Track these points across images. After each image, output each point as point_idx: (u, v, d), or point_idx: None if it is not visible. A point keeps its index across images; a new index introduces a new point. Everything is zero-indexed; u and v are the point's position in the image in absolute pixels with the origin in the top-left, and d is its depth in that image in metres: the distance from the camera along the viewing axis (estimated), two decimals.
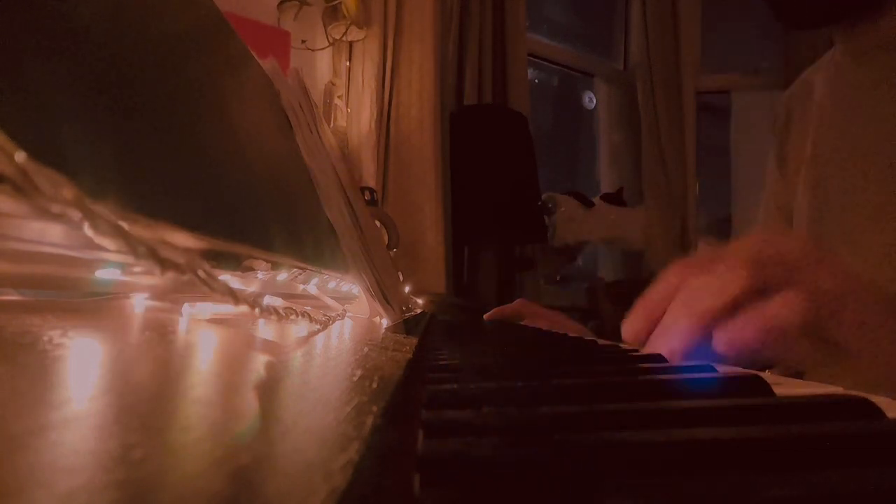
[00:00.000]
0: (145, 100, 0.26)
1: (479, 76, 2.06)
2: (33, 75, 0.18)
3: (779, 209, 0.90)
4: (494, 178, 1.90)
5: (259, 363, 0.24)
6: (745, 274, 0.39)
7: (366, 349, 0.31)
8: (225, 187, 0.33)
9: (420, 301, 1.03)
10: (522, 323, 0.92)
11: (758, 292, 0.38)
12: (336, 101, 1.73)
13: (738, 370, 0.30)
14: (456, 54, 2.02)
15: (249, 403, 0.15)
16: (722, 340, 0.38)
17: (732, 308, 0.39)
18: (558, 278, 2.50)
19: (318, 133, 0.57)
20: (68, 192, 0.14)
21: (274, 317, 0.33)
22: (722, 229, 2.75)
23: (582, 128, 2.94)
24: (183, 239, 0.25)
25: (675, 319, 0.40)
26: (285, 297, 0.41)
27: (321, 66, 1.75)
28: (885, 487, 0.13)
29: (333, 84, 1.74)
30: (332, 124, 1.71)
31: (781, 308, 0.37)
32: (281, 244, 0.39)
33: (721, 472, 0.15)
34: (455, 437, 0.16)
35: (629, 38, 2.78)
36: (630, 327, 0.43)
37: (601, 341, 0.57)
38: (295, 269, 0.44)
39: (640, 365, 0.36)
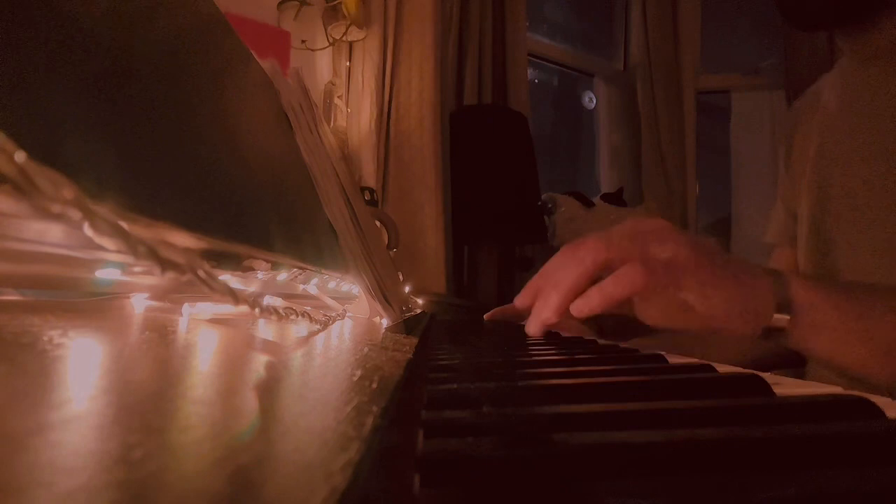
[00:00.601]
0: (145, 100, 0.26)
1: (479, 76, 2.06)
2: (33, 75, 0.18)
3: (786, 211, 0.91)
4: (494, 178, 1.90)
5: (259, 363, 0.24)
6: (596, 251, 0.48)
7: (366, 349, 0.31)
8: (225, 187, 0.33)
9: (420, 301, 1.03)
10: (523, 323, 0.92)
11: (607, 266, 0.48)
12: (336, 101, 1.73)
13: (738, 370, 0.30)
14: (456, 54, 2.02)
15: (249, 403, 0.15)
16: (575, 308, 0.48)
17: (587, 280, 0.48)
18: None
19: (318, 133, 0.57)
20: (68, 192, 0.14)
21: (274, 317, 0.33)
22: (722, 229, 2.75)
23: (582, 128, 2.94)
24: (183, 239, 0.25)
25: (545, 294, 0.50)
26: (285, 297, 0.41)
27: (321, 66, 1.75)
28: (885, 487, 0.13)
29: (333, 84, 1.73)
30: (332, 124, 1.71)
31: (619, 279, 0.46)
32: (281, 244, 0.39)
33: (721, 472, 0.15)
34: (455, 437, 0.16)
35: (629, 38, 2.78)
36: (520, 301, 0.54)
37: (601, 341, 0.57)
38: (295, 269, 0.44)
39: (640, 365, 0.36)
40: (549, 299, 0.50)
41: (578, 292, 0.49)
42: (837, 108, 0.81)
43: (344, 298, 0.58)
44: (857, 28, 0.75)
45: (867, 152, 0.74)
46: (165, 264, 0.18)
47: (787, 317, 0.48)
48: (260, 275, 0.38)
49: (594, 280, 0.49)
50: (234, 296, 0.24)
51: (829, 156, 0.80)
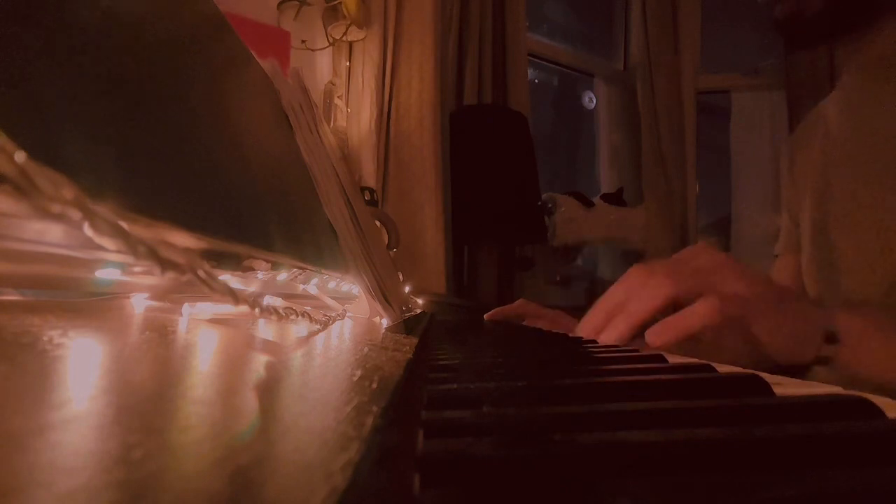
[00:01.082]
0: (145, 100, 0.26)
1: (479, 76, 2.06)
2: (33, 75, 0.18)
3: (791, 220, 0.92)
4: (494, 178, 1.90)
5: (259, 363, 0.24)
6: (668, 286, 0.51)
7: (366, 349, 0.31)
8: (225, 187, 0.33)
9: (420, 301, 1.03)
10: (524, 323, 0.92)
11: (680, 299, 0.51)
12: (336, 101, 1.73)
13: (738, 370, 0.30)
14: (456, 54, 2.02)
15: (249, 403, 0.15)
16: (650, 338, 0.51)
17: (658, 313, 0.52)
18: (558, 278, 2.50)
19: (318, 133, 0.57)
20: (68, 192, 0.14)
21: (274, 317, 0.33)
22: (722, 229, 2.75)
23: (582, 128, 2.94)
24: (183, 239, 0.25)
25: (616, 322, 0.54)
26: (285, 297, 0.40)
27: (321, 66, 1.75)
28: (885, 487, 0.13)
29: (333, 84, 1.73)
30: (332, 124, 1.71)
31: (695, 313, 0.49)
32: (281, 244, 0.39)
33: (721, 472, 0.15)
34: (455, 437, 0.16)
35: (629, 38, 2.78)
36: (589, 323, 0.56)
37: (602, 341, 0.57)
38: (295, 269, 0.44)
39: (640, 365, 0.36)
40: (619, 328, 0.53)
41: (648, 324, 0.52)
42: (840, 117, 0.82)
43: (344, 298, 0.58)
44: (857, 38, 0.77)
45: (869, 156, 0.75)
46: (165, 264, 0.18)
47: (835, 346, 0.52)
48: (260, 275, 0.38)
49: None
50: (234, 296, 0.24)
51: (833, 162, 0.81)
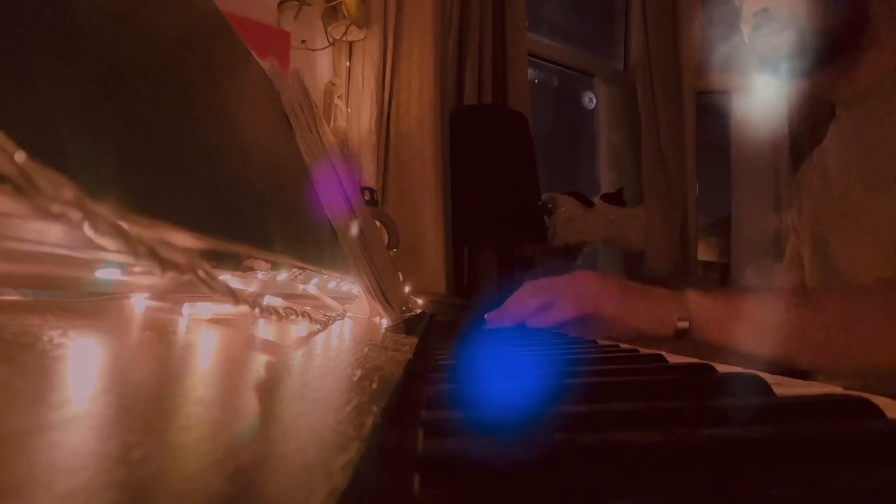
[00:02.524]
0: (145, 99, 0.26)
1: (479, 76, 2.05)
2: (33, 75, 0.18)
3: (794, 234, 0.97)
4: (494, 178, 1.90)
5: (259, 363, 0.24)
6: (539, 294, 0.77)
7: (366, 349, 0.31)
8: (225, 187, 0.33)
9: (420, 301, 1.03)
10: (522, 324, 0.92)
11: (549, 302, 0.75)
12: (336, 101, 1.72)
13: (738, 370, 0.30)
14: (456, 54, 2.02)
15: (249, 403, 0.15)
16: (530, 325, 0.76)
17: (536, 311, 0.76)
18: None
19: (318, 133, 0.57)
20: (68, 192, 0.14)
21: (274, 317, 0.33)
22: (722, 229, 2.74)
23: (582, 128, 2.93)
24: (183, 239, 0.25)
25: (506, 316, 0.79)
26: (285, 297, 0.40)
27: (321, 66, 1.75)
28: (886, 487, 0.13)
29: (333, 84, 1.73)
30: (332, 124, 1.71)
31: (554, 312, 0.74)
32: (281, 244, 0.39)
33: (721, 471, 0.15)
34: (455, 437, 0.16)
35: (629, 38, 2.78)
36: (492, 317, 0.81)
37: (601, 341, 0.57)
38: (295, 269, 0.44)
39: (641, 365, 0.36)
40: (505, 321, 0.80)
41: (524, 318, 0.77)
42: (836, 148, 0.89)
43: (344, 298, 0.58)
44: (838, 75, 0.84)
45: (863, 167, 0.81)
46: (165, 264, 0.18)
47: (686, 322, 0.70)
48: (260, 275, 0.38)
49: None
50: (234, 296, 0.24)
51: (831, 181, 0.87)
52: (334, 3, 1.66)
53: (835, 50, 0.81)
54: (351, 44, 1.76)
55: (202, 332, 0.29)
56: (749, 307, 0.69)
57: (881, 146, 0.78)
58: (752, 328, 0.66)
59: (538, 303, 0.76)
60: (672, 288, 0.74)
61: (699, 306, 0.70)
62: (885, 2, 0.81)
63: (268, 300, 0.35)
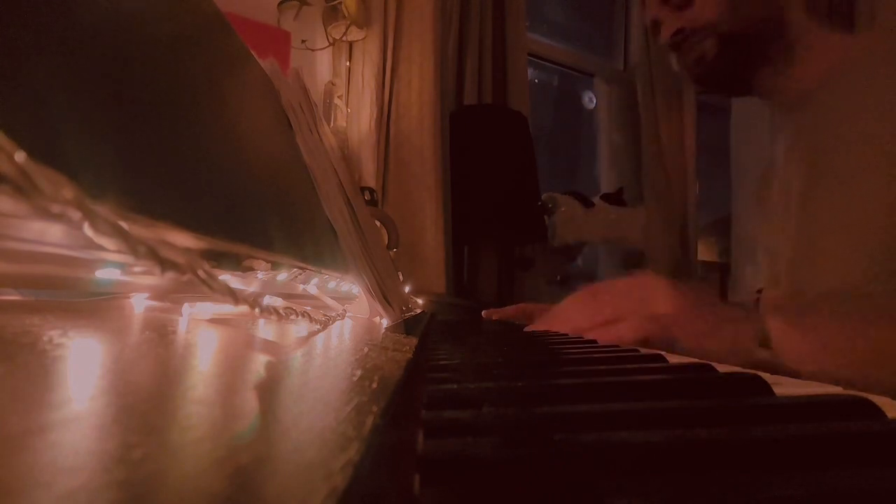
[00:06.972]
0: (145, 100, 0.26)
1: (479, 76, 2.05)
2: (33, 75, 0.18)
3: (769, 255, 0.97)
4: (494, 178, 1.90)
5: (259, 363, 0.24)
6: (597, 312, 0.68)
7: (366, 349, 0.31)
8: (225, 187, 0.33)
9: (420, 301, 1.03)
10: (522, 324, 0.92)
11: (613, 316, 0.65)
12: (336, 101, 1.72)
13: (738, 370, 0.30)
14: (456, 54, 2.02)
15: (249, 403, 0.15)
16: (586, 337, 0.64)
17: (596, 326, 0.66)
18: (558, 278, 2.50)
19: (318, 133, 0.57)
20: (68, 192, 0.14)
21: (274, 317, 0.33)
22: (722, 229, 2.74)
23: (582, 128, 2.93)
24: (183, 239, 0.25)
25: (551, 327, 0.72)
26: (285, 297, 0.40)
27: (321, 66, 1.75)
28: (886, 487, 0.13)
29: (333, 84, 1.73)
30: (332, 124, 1.71)
31: (618, 330, 0.62)
32: (281, 244, 0.39)
33: (721, 471, 0.15)
34: (455, 437, 0.16)
35: (629, 38, 2.78)
36: (536, 326, 0.76)
37: (601, 342, 0.57)
38: (295, 269, 0.44)
39: (640, 365, 0.36)
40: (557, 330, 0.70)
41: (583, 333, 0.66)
42: (786, 156, 0.87)
43: (344, 298, 0.58)
44: (776, 75, 0.83)
45: (825, 163, 0.79)
46: (165, 264, 0.18)
47: (769, 349, 0.59)
48: (260, 275, 0.38)
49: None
50: (234, 296, 0.24)
51: (791, 189, 0.85)
52: (334, 3, 1.66)
53: (761, 49, 0.81)
54: (351, 44, 1.76)
55: (202, 332, 0.29)
56: (840, 335, 0.59)
57: (840, 138, 0.76)
58: (851, 360, 0.57)
59: (602, 318, 0.66)
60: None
61: (785, 338, 0.60)
62: (798, 5, 0.81)
63: (268, 300, 0.35)
